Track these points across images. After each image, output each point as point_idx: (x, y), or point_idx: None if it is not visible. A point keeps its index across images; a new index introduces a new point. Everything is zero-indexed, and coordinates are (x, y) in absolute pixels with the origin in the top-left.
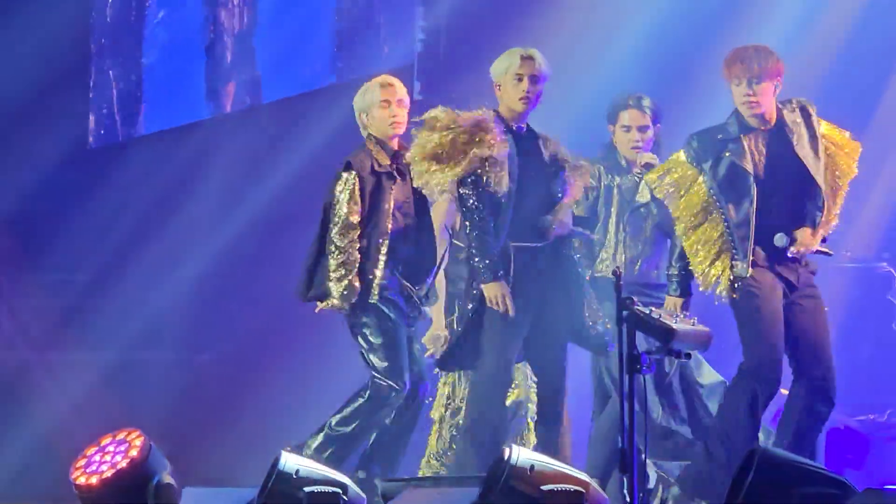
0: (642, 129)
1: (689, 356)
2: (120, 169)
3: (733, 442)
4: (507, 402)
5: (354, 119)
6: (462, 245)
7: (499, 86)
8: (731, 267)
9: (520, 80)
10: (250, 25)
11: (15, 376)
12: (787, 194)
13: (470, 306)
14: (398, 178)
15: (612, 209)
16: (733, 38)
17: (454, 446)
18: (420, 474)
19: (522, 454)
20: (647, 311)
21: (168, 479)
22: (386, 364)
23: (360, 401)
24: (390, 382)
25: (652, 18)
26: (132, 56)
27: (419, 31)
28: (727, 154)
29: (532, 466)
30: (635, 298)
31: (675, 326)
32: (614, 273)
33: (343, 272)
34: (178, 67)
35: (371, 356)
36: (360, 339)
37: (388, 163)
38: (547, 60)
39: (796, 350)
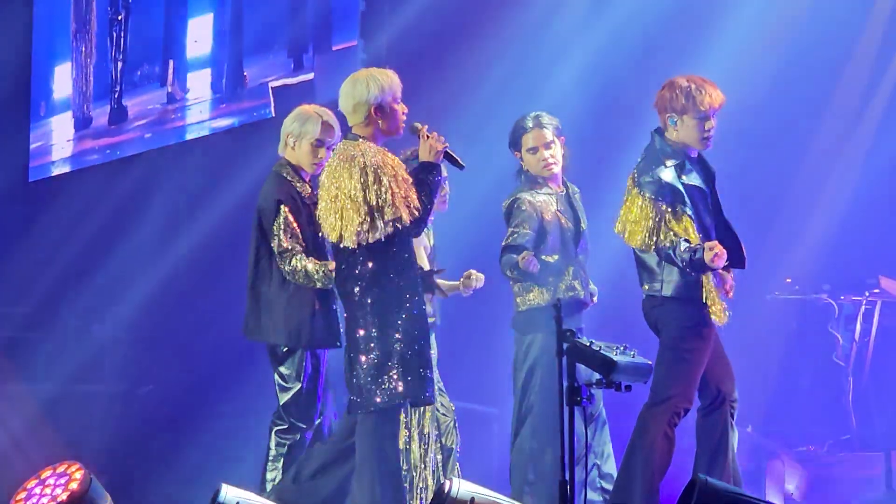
0: (548, 145)
1: (629, 388)
2: (59, 201)
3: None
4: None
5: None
6: None
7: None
8: None
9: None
10: (198, 47)
11: None
12: None
13: None
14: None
15: (558, 233)
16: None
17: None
18: None
19: (463, 486)
20: (588, 343)
21: None
22: None
23: None
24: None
25: (589, 49)
26: (76, 87)
27: (360, 64)
28: None
29: (472, 499)
30: (574, 330)
31: (615, 358)
32: (554, 305)
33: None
34: (121, 98)
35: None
36: None
37: (309, 192)
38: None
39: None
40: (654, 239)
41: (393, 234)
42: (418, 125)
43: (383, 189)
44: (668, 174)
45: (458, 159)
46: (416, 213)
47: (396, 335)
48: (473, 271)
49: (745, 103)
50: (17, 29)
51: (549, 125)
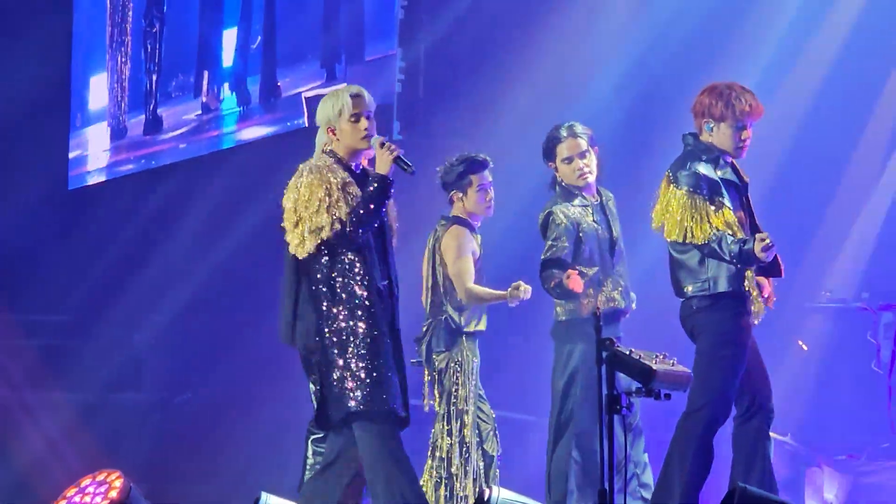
0: (582, 155)
1: (668, 396)
2: (99, 209)
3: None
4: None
5: None
6: None
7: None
8: None
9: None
10: (233, 57)
11: None
12: None
13: None
14: None
15: (595, 244)
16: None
17: None
18: None
19: (502, 494)
20: (627, 352)
21: None
22: None
23: None
24: None
25: (628, 56)
26: (111, 98)
27: (398, 72)
28: None
29: None
30: (614, 339)
31: (654, 367)
32: (594, 314)
33: None
34: (156, 108)
35: None
36: None
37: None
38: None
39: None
40: (695, 233)
41: (323, 244)
42: (377, 139)
43: (309, 201)
44: (703, 167)
45: (407, 165)
46: (338, 225)
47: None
48: (521, 282)
49: (786, 110)
50: (55, 40)
51: (583, 135)
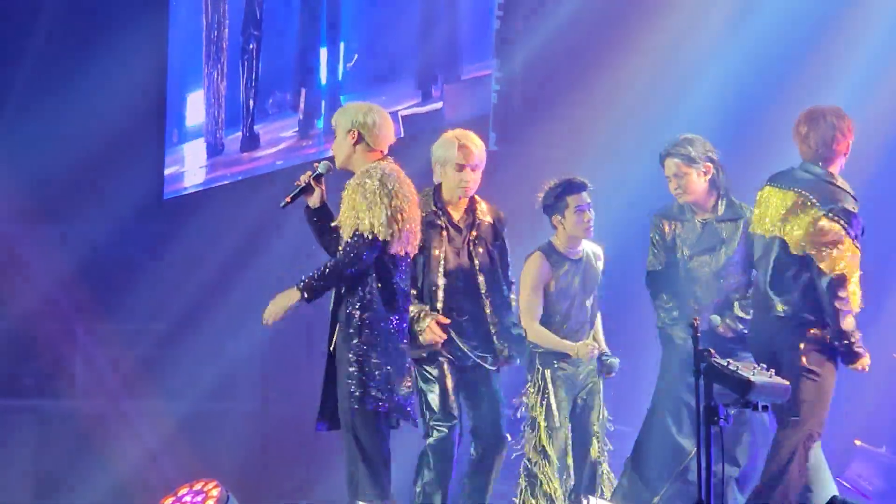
0: (678, 175)
1: (766, 408)
2: (195, 219)
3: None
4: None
5: (425, 169)
6: None
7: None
8: None
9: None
10: (329, 75)
11: (91, 425)
12: None
13: None
14: (449, 231)
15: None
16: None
17: None
18: None
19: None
20: (725, 363)
21: None
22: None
23: None
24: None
25: (727, 67)
26: (208, 114)
27: (494, 83)
28: None
29: None
30: (712, 350)
31: (752, 379)
32: (690, 325)
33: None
34: (252, 125)
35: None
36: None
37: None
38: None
39: None
40: (834, 266)
41: None
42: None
43: None
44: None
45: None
46: None
47: None
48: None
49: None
50: (152, 57)
51: (680, 156)
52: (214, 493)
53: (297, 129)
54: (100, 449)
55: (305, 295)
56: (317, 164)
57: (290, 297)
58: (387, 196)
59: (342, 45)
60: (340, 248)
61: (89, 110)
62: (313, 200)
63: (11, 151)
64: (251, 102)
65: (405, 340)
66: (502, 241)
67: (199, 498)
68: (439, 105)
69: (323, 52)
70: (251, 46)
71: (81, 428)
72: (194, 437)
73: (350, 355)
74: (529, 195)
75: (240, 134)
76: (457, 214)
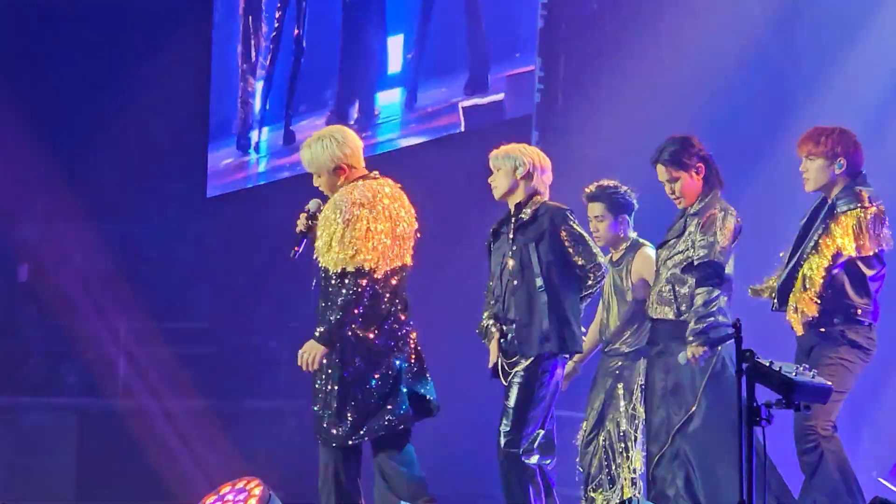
0: (671, 180)
1: (808, 408)
2: (237, 217)
3: None
4: None
5: (476, 167)
6: None
7: None
8: None
9: None
10: (378, 73)
11: (133, 423)
12: None
13: None
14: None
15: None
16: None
17: None
18: None
19: None
20: (768, 363)
21: None
22: None
23: None
24: None
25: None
26: (249, 107)
27: (537, 81)
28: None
29: None
30: (754, 350)
31: (795, 379)
32: (734, 325)
33: None
34: (297, 117)
35: None
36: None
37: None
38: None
39: None
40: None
41: None
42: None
43: None
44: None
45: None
46: None
47: None
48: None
49: None
50: (195, 55)
51: (663, 159)
52: (257, 491)
53: (351, 122)
54: (142, 447)
55: (329, 346)
56: (308, 207)
57: (317, 348)
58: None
59: (401, 38)
60: (344, 292)
61: (133, 109)
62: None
63: (56, 150)
64: (294, 98)
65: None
66: None
67: (241, 496)
68: (501, 96)
69: (391, 40)
70: (295, 42)
71: (124, 426)
72: (237, 436)
73: None
74: (571, 194)
75: (282, 131)
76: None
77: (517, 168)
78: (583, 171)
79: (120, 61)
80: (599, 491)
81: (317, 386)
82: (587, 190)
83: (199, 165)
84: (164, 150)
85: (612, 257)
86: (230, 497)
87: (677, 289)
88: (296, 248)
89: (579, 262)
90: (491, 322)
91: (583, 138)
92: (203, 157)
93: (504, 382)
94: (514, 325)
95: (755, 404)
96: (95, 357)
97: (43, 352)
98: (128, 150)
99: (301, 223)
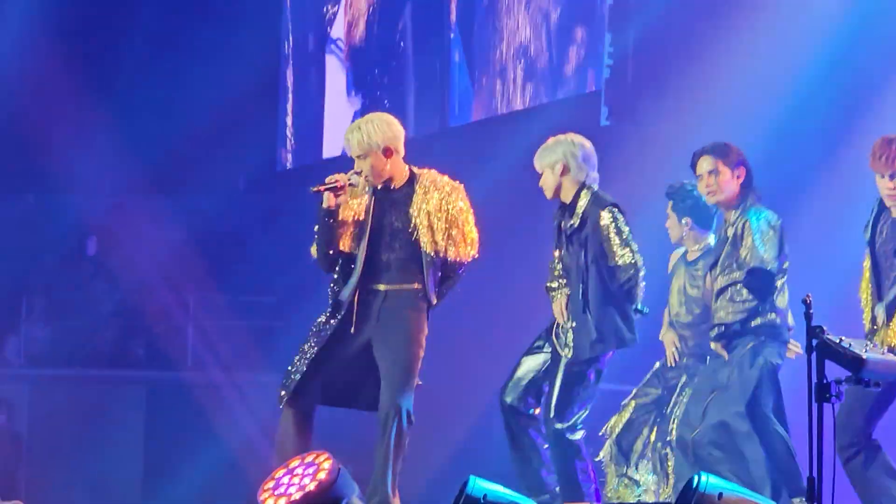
0: (713, 172)
1: (878, 385)
2: (306, 193)
3: None
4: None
5: (536, 146)
6: None
7: None
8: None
9: None
10: (440, 50)
11: (204, 396)
12: None
13: None
14: None
15: None
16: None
17: None
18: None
19: (711, 481)
20: (838, 340)
21: (357, 502)
22: None
23: None
24: None
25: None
26: (318, 84)
27: (607, 58)
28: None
29: (720, 494)
30: (825, 327)
31: (865, 356)
32: (803, 301)
33: None
34: (362, 93)
35: None
36: None
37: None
38: None
39: None
40: None
41: None
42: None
43: None
44: None
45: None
46: None
47: None
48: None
49: None
50: (267, 28)
51: (713, 152)
52: (326, 465)
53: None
54: (211, 420)
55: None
56: (353, 175)
57: None
58: None
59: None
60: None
61: (203, 82)
62: (336, 202)
63: (125, 124)
64: (366, 77)
65: None
66: None
67: (310, 470)
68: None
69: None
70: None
71: (193, 399)
72: None
73: None
74: (641, 171)
75: (360, 106)
76: None
77: (554, 165)
78: (652, 148)
79: (188, 32)
80: (642, 472)
81: None
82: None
83: (270, 138)
84: (235, 124)
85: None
86: (299, 471)
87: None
88: (320, 187)
89: (616, 262)
90: (556, 286)
91: (653, 116)
92: (274, 129)
93: (555, 341)
94: (570, 324)
95: (825, 381)
96: (164, 330)
97: (112, 325)
98: (198, 123)
99: (344, 178)
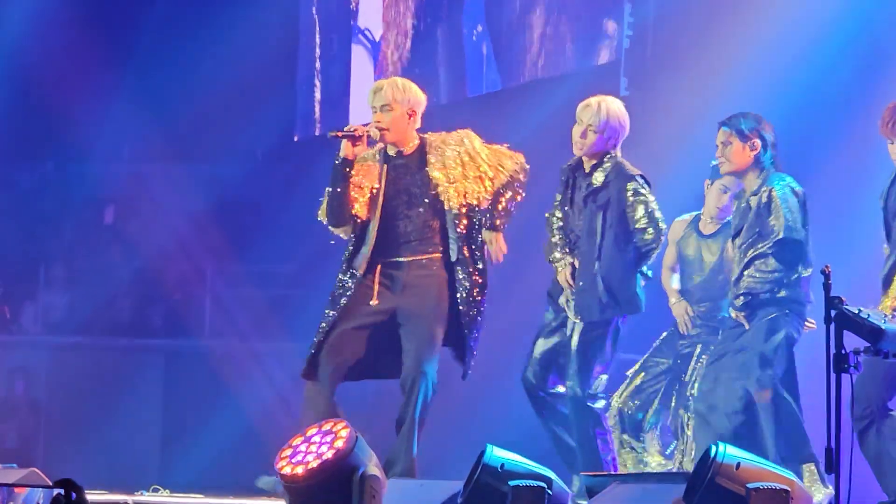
0: (725, 143)
1: None
2: (324, 161)
3: None
4: None
5: (555, 115)
6: None
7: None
8: None
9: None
10: (456, 20)
11: (221, 365)
12: None
13: None
14: None
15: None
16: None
17: None
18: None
19: (729, 451)
20: (856, 311)
21: (374, 470)
22: None
23: None
24: None
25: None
26: (340, 51)
27: (627, 28)
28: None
29: (738, 464)
30: (843, 297)
31: (883, 326)
32: (822, 272)
33: None
34: (382, 61)
35: None
36: None
37: None
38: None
39: None
40: None
41: None
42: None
43: None
44: None
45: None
46: None
47: None
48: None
49: None
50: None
51: (728, 123)
52: (343, 433)
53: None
54: (228, 389)
55: None
56: (376, 128)
57: None
58: None
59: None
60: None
61: (221, 50)
62: (354, 151)
63: (143, 92)
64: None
65: None
66: None
67: (328, 438)
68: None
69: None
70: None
71: (210, 368)
72: None
73: None
74: (659, 141)
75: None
76: None
77: (602, 127)
78: (671, 119)
79: (210, 1)
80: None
81: None
82: None
83: (288, 107)
84: (253, 92)
85: None
86: (317, 438)
87: None
88: (338, 133)
89: (637, 227)
90: (559, 257)
91: (673, 86)
92: (292, 98)
93: (566, 307)
94: (577, 285)
95: (843, 351)
96: (182, 299)
97: (130, 293)
98: (216, 91)
99: (362, 130)
